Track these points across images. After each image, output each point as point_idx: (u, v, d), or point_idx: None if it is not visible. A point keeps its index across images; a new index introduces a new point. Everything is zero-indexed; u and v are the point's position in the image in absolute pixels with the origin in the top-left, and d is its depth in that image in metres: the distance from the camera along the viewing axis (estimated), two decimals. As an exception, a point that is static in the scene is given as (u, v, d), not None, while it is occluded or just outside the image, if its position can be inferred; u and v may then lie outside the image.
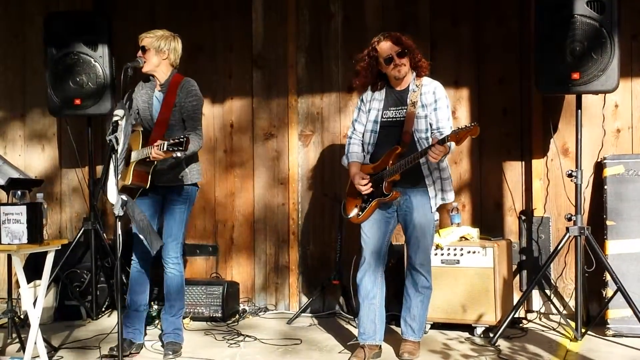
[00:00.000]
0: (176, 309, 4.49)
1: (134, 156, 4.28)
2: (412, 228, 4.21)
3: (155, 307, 5.28)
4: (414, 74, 4.24)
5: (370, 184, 4.16)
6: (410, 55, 4.19)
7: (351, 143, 4.34)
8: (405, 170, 4.07)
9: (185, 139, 3.98)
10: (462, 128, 3.90)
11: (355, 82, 4.40)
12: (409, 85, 4.23)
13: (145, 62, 4.34)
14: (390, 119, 4.22)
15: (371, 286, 4.24)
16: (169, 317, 4.48)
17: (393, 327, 4.81)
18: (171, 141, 4.03)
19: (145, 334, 4.65)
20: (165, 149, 4.03)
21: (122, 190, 4.22)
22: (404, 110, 4.18)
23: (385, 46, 4.16)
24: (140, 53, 4.34)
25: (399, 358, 4.26)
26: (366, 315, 4.24)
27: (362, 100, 4.34)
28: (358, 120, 4.33)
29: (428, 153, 3.95)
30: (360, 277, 4.26)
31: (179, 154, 4.02)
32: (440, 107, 4.18)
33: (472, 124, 3.90)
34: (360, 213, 4.24)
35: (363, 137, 4.30)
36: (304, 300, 5.57)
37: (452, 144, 3.98)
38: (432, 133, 4.16)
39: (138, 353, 4.44)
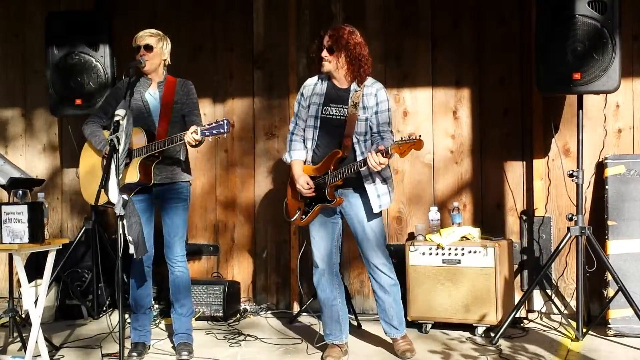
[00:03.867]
0: (187, 308, 4.48)
1: (139, 152, 4.22)
2: (362, 231, 4.22)
3: (157, 306, 5.29)
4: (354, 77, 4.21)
5: (313, 189, 4.15)
6: (341, 56, 4.12)
7: (293, 140, 4.28)
8: (347, 176, 4.08)
9: (226, 120, 4.01)
10: (406, 140, 3.85)
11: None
12: (350, 85, 4.21)
13: (147, 61, 4.32)
14: (331, 116, 4.19)
15: (329, 289, 4.26)
16: (181, 317, 4.46)
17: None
18: (206, 125, 4.04)
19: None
20: (200, 133, 4.03)
21: (122, 188, 4.22)
22: (345, 110, 4.17)
23: (324, 37, 4.16)
24: (143, 51, 4.32)
25: (401, 357, 4.28)
26: (329, 317, 4.27)
27: (302, 95, 4.30)
28: (298, 115, 4.30)
29: (369, 163, 3.90)
30: (316, 281, 4.27)
31: (218, 137, 4.05)
32: (381, 111, 4.18)
33: (416, 138, 3.84)
34: (304, 217, 4.23)
35: (304, 132, 4.27)
36: (305, 299, 5.57)
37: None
38: (371, 136, 4.17)
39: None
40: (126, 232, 4.00)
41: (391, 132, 4.21)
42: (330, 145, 4.15)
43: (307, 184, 4.15)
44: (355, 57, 4.13)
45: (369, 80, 4.22)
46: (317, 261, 4.25)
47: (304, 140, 4.27)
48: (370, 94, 4.17)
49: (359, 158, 4.09)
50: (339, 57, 4.13)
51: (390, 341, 4.38)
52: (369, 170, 4.00)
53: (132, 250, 4.04)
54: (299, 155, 4.25)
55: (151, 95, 4.39)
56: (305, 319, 5.31)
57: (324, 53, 4.14)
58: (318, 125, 4.20)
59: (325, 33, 4.17)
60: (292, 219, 4.32)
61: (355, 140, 4.14)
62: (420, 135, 3.87)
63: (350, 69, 4.16)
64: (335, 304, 4.27)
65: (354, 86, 4.19)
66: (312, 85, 4.29)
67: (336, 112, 4.19)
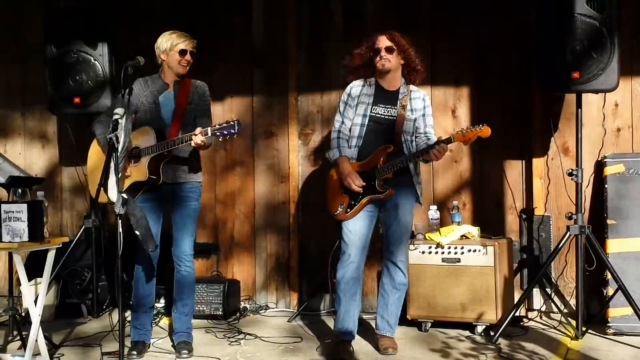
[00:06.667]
0: (189, 307, 4.48)
1: (148, 151, 4.23)
2: (397, 226, 4.31)
3: (157, 305, 5.28)
4: (403, 79, 4.38)
5: (362, 184, 4.22)
6: (401, 55, 4.31)
7: (340, 137, 4.37)
8: (398, 168, 4.19)
9: (236, 120, 4.04)
10: (471, 128, 4.07)
11: (348, 65, 4.46)
12: (399, 88, 4.36)
13: (188, 65, 4.38)
14: (380, 116, 4.32)
15: (353, 283, 4.27)
16: (182, 316, 4.45)
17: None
18: (217, 126, 4.07)
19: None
20: (209, 134, 4.07)
21: (131, 186, 4.23)
22: (394, 110, 4.32)
23: (380, 39, 4.31)
24: (189, 57, 4.37)
25: (384, 354, 4.31)
26: (347, 312, 4.28)
27: (349, 95, 4.40)
28: (345, 114, 4.39)
29: (432, 152, 4.08)
30: (342, 273, 4.27)
31: (228, 137, 4.07)
32: (428, 114, 4.41)
33: (481, 125, 4.06)
34: (349, 210, 4.28)
35: (350, 131, 4.36)
36: (305, 298, 5.57)
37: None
38: (417, 137, 4.35)
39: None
40: (134, 228, 4.02)
41: (434, 134, 4.39)
42: (377, 143, 4.27)
43: (357, 179, 4.21)
44: (411, 59, 4.33)
45: (413, 87, 4.40)
46: (350, 254, 4.26)
47: (347, 140, 4.36)
48: (418, 97, 4.39)
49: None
50: (397, 58, 4.30)
51: (378, 337, 4.43)
52: (415, 163, 4.25)
53: (142, 245, 4.06)
54: (348, 152, 4.33)
55: (166, 96, 4.40)
56: (305, 318, 5.31)
57: (384, 52, 4.26)
58: (366, 123, 4.32)
59: (378, 35, 4.30)
60: (336, 213, 4.33)
61: (403, 139, 4.29)
62: (484, 123, 4.09)
63: (404, 70, 4.36)
64: (356, 298, 4.29)
65: (402, 89, 4.36)
66: (360, 86, 4.39)
67: (385, 112, 4.32)
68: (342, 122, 4.37)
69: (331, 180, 4.41)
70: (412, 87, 4.40)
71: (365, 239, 4.29)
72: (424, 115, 4.38)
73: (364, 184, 4.22)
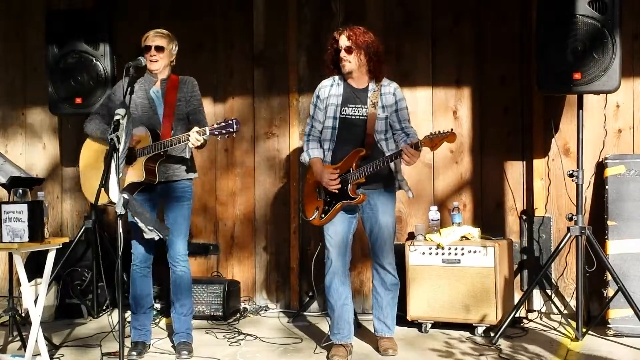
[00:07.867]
0: (187, 307, 4.47)
1: (143, 152, 4.23)
2: (378, 229, 4.27)
3: (157, 306, 5.28)
4: (371, 75, 4.26)
5: (338, 182, 4.15)
6: (362, 52, 4.15)
7: (310, 140, 4.31)
8: (369, 173, 4.11)
9: (234, 119, 4.03)
10: (438, 134, 3.92)
11: (324, 71, 4.41)
12: (368, 85, 4.25)
13: (157, 61, 4.32)
14: (350, 117, 4.22)
15: (342, 288, 4.26)
16: (181, 316, 4.45)
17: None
18: (215, 125, 4.06)
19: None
20: (207, 133, 4.05)
21: (128, 187, 4.23)
22: (364, 110, 4.20)
23: (339, 38, 4.20)
24: (154, 52, 4.31)
25: (384, 355, 4.31)
26: (340, 317, 4.26)
27: (317, 97, 4.31)
28: (315, 117, 4.31)
29: (402, 157, 3.97)
30: (329, 279, 4.25)
31: (227, 136, 4.06)
32: (401, 109, 4.26)
33: (448, 131, 3.91)
34: (324, 215, 4.23)
35: (321, 134, 4.29)
36: (305, 299, 5.57)
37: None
38: (393, 134, 4.23)
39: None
40: (142, 225, 4.02)
41: (412, 128, 4.27)
42: (350, 145, 4.18)
43: (332, 175, 4.15)
44: (374, 54, 4.18)
45: (385, 80, 4.27)
46: (332, 259, 4.24)
47: (320, 142, 4.29)
48: (388, 93, 4.24)
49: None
50: (358, 56, 4.17)
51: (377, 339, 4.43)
52: (395, 163, 4.12)
53: (151, 235, 4.07)
54: (318, 153, 4.27)
55: (154, 93, 4.39)
56: (305, 318, 5.31)
57: (343, 54, 4.16)
58: (337, 125, 4.23)
59: (339, 34, 4.20)
60: (311, 219, 4.30)
61: (377, 138, 4.19)
62: (452, 129, 3.94)
63: (370, 67, 4.21)
64: (347, 303, 4.27)
65: (371, 86, 4.24)
66: (328, 86, 4.29)
67: (355, 112, 4.22)
68: (312, 126, 4.30)
69: (307, 184, 4.38)
70: (384, 81, 4.26)
71: (346, 242, 4.27)
72: (396, 110, 4.23)
73: (337, 179, 4.14)
